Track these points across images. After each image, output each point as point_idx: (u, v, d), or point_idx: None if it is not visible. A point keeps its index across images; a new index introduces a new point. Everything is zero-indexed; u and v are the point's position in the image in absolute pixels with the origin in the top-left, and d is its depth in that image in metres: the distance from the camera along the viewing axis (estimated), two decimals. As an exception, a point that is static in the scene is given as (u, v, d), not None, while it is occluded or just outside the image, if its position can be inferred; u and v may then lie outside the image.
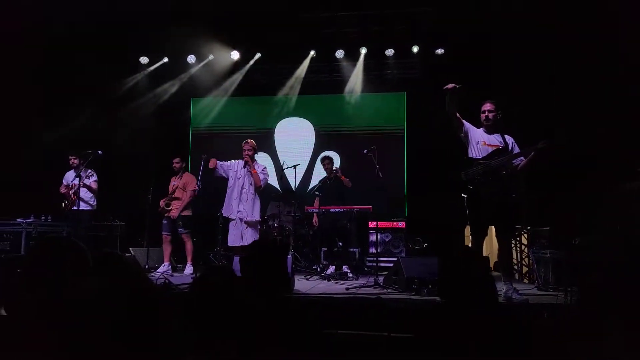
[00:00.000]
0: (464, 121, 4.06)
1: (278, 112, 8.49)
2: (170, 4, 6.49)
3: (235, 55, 7.84)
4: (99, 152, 5.79)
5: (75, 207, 5.79)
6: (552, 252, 4.69)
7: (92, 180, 6.00)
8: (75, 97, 7.20)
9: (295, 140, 8.45)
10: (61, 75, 7.08)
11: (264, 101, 8.48)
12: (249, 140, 5.42)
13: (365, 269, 6.34)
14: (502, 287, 3.66)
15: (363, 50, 7.67)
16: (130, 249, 6.21)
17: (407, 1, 6.76)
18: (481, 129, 4.07)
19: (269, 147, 8.44)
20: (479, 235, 3.88)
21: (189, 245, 5.91)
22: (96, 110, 7.50)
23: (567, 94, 6.12)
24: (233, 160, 5.48)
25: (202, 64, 8.00)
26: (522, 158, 3.90)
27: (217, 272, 1.49)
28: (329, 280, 5.30)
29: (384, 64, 7.88)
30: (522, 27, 6.12)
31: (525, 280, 5.43)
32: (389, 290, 4.38)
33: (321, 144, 8.37)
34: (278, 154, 8.42)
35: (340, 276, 5.47)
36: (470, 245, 4.27)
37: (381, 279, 4.85)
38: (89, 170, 6.01)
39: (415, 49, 7.53)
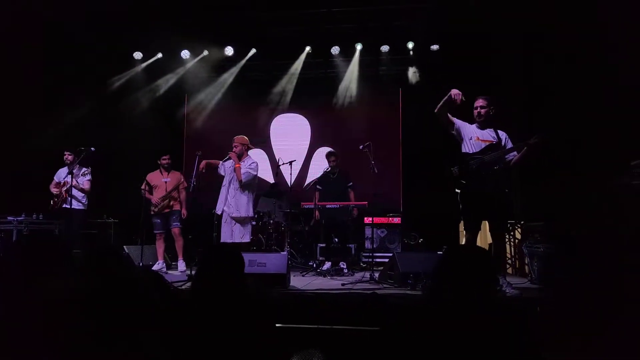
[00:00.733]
0: (453, 119, 4.08)
1: (273, 108, 8.46)
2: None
3: (229, 51, 7.79)
4: (92, 149, 5.72)
5: (66, 205, 5.70)
6: (545, 247, 4.72)
7: (85, 180, 5.87)
8: (68, 94, 7.13)
9: (290, 136, 8.44)
10: (54, 72, 7.01)
11: (260, 97, 8.45)
12: (236, 137, 5.41)
13: (361, 264, 6.36)
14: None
15: (358, 46, 7.65)
16: (124, 246, 6.17)
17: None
18: (474, 124, 4.07)
19: (264, 143, 8.42)
20: (473, 231, 3.90)
21: (180, 241, 5.90)
22: (89, 107, 7.44)
23: (562, 89, 6.15)
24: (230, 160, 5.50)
25: (196, 59, 7.95)
26: (515, 153, 3.92)
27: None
28: (324, 276, 5.31)
29: (380, 60, 7.88)
30: (518, 23, 6.14)
31: (516, 274, 5.47)
32: (384, 286, 4.39)
33: (317, 139, 8.36)
34: (274, 150, 8.40)
35: (335, 272, 5.47)
36: (464, 240, 4.28)
37: (377, 274, 4.86)
38: (84, 169, 5.90)
39: (410, 45, 7.54)
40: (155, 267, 5.79)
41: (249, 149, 5.46)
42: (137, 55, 7.88)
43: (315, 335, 3.08)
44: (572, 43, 5.71)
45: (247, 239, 5.29)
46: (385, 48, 7.59)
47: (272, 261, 4.35)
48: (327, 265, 5.79)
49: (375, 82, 8.11)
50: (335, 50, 7.72)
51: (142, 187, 6.01)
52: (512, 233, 5.78)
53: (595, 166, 5.32)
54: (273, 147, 8.46)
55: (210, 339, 1.46)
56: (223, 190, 5.34)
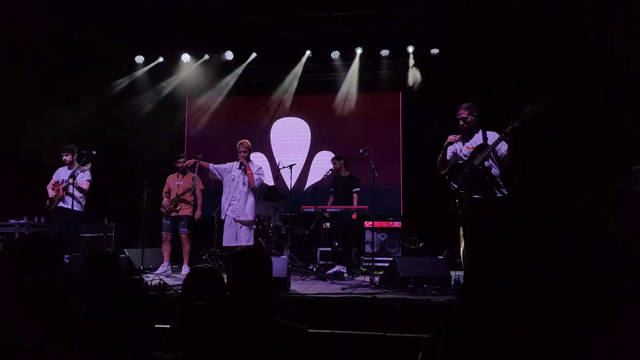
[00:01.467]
0: (447, 153, 4.09)
1: (274, 111, 8.48)
2: (166, 3, 6.47)
3: (229, 55, 7.83)
4: (93, 152, 5.70)
5: (63, 205, 5.56)
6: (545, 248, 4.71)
7: (84, 180, 5.72)
8: (70, 97, 7.16)
9: (291, 140, 8.45)
10: (56, 74, 7.03)
11: (260, 101, 8.47)
12: (243, 141, 5.43)
13: (361, 268, 6.35)
14: None
15: (359, 50, 7.68)
16: (125, 250, 6.17)
17: (403, 1, 6.78)
18: (460, 136, 4.05)
19: (264, 147, 8.44)
20: (471, 234, 3.91)
21: (187, 246, 5.87)
22: (91, 110, 7.46)
23: (563, 93, 6.16)
24: (228, 163, 5.51)
25: (197, 63, 7.98)
26: (505, 144, 3.85)
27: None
28: (324, 280, 5.30)
29: (380, 64, 7.90)
30: (518, 27, 6.15)
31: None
32: (384, 290, 4.38)
33: (317, 143, 8.37)
34: (274, 153, 8.42)
35: (335, 276, 5.46)
36: (462, 245, 4.29)
37: (377, 278, 4.86)
38: (86, 167, 5.71)
39: (410, 49, 7.57)
40: (160, 270, 5.76)
41: (250, 153, 5.51)
42: (139, 59, 7.91)
43: (315, 339, 3.07)
44: (573, 45, 5.73)
45: (252, 242, 5.38)
46: (385, 52, 7.61)
47: (273, 265, 4.34)
48: (337, 268, 5.76)
49: (375, 86, 8.13)
50: (335, 54, 7.74)
51: (164, 190, 6.02)
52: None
53: (596, 171, 5.33)
54: (273, 150, 8.47)
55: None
56: (226, 194, 5.35)
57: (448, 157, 4.12)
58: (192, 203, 5.95)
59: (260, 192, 7.52)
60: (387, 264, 5.20)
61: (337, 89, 8.15)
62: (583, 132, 5.81)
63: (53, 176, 5.91)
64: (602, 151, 5.46)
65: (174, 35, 7.38)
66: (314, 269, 5.98)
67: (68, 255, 5.31)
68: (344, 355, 3.01)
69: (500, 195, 3.86)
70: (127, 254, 5.93)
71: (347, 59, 7.86)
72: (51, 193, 5.77)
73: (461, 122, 4.04)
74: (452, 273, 4.45)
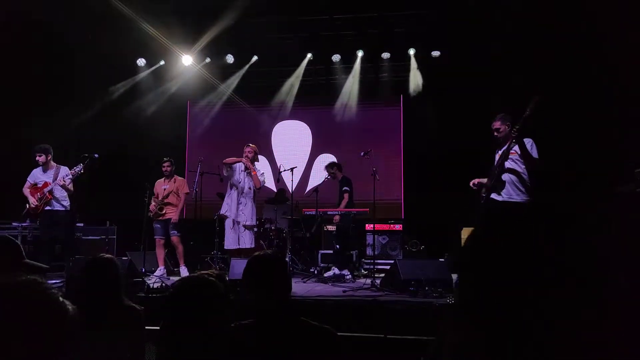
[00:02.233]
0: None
1: (275, 115, 8.50)
2: (166, 6, 6.51)
3: (230, 59, 7.86)
4: (95, 155, 5.70)
5: (49, 207, 5.39)
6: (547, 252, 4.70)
7: (68, 179, 5.41)
8: (72, 100, 7.19)
9: (292, 143, 8.47)
10: (57, 78, 7.07)
11: (261, 104, 8.49)
12: (251, 144, 5.50)
13: (363, 271, 6.34)
14: None
15: (360, 53, 7.70)
16: (127, 252, 6.18)
17: (404, 4, 6.80)
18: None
19: (266, 150, 8.46)
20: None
21: (180, 248, 5.87)
22: (93, 113, 7.50)
23: (565, 95, 6.16)
24: (237, 163, 5.55)
25: (198, 66, 8.01)
26: (517, 150, 3.96)
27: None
28: (325, 282, 5.30)
29: (381, 67, 7.92)
30: (519, 29, 6.16)
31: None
32: (385, 292, 4.38)
33: (318, 146, 8.38)
34: (275, 156, 8.43)
35: (337, 278, 5.46)
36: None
37: (378, 281, 4.86)
38: (60, 167, 5.51)
39: (411, 51, 7.59)
40: (157, 273, 5.78)
41: (257, 159, 5.56)
42: (140, 62, 7.94)
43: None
44: (573, 45, 5.73)
45: (254, 244, 5.44)
46: (386, 55, 7.63)
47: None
48: (335, 270, 5.76)
49: (376, 89, 8.15)
50: (336, 57, 7.77)
51: (154, 194, 6.01)
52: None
53: (599, 174, 5.32)
54: (274, 153, 8.48)
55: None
56: (232, 196, 5.39)
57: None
58: (179, 205, 5.93)
59: (264, 195, 7.55)
60: (388, 267, 5.20)
61: (338, 92, 8.17)
62: (584, 134, 5.82)
63: (28, 179, 5.56)
64: (604, 153, 5.46)
65: (176, 39, 7.40)
66: (315, 272, 5.98)
67: (71, 259, 5.30)
68: (345, 357, 3.01)
69: (517, 199, 3.98)
70: (129, 257, 5.94)
71: (348, 62, 7.88)
72: (32, 199, 5.43)
73: (495, 133, 4.15)
74: (454, 276, 4.44)
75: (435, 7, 6.72)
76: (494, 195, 4.08)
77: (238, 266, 4.47)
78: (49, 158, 5.47)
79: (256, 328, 1.56)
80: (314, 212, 6.08)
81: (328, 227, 6.64)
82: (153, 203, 5.95)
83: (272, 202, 7.25)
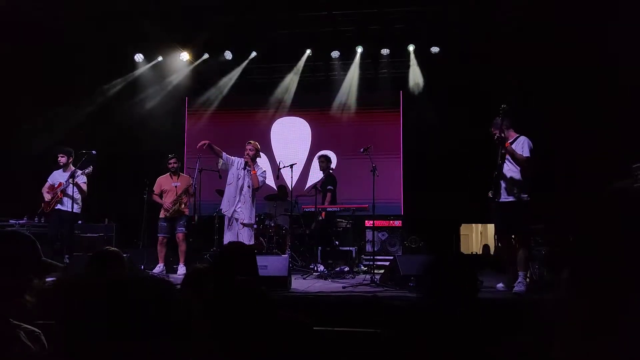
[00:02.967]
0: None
1: (274, 111, 8.47)
2: (164, 2, 6.47)
3: (228, 55, 7.82)
4: (93, 152, 5.70)
5: (60, 207, 5.56)
6: (547, 249, 4.73)
7: (81, 182, 5.73)
8: (69, 97, 7.16)
9: (291, 139, 8.45)
10: (54, 74, 7.04)
11: (260, 100, 8.46)
12: (252, 141, 5.46)
13: (362, 267, 6.35)
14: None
15: (359, 49, 7.67)
16: (126, 250, 6.16)
17: (404, 0, 6.78)
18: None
19: (265, 146, 8.43)
20: (500, 239, 4.33)
21: (183, 246, 5.86)
22: (91, 109, 7.47)
23: (563, 93, 6.16)
24: (236, 157, 5.49)
25: (197, 62, 7.98)
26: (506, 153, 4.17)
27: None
28: (325, 279, 5.30)
29: (380, 63, 7.90)
30: (518, 24, 6.15)
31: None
32: (385, 288, 4.39)
33: (317, 143, 8.36)
34: (274, 153, 8.42)
35: (336, 275, 5.47)
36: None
37: (378, 277, 4.86)
38: (87, 170, 5.76)
39: (411, 47, 7.56)
40: (155, 270, 5.77)
41: (259, 156, 5.51)
42: (138, 57, 7.90)
43: (316, 337, 3.07)
44: (573, 45, 5.73)
45: (252, 241, 5.42)
46: (385, 51, 7.61)
47: (274, 264, 4.35)
48: (316, 266, 5.80)
49: (376, 85, 8.12)
50: (335, 53, 7.74)
51: (155, 191, 5.96)
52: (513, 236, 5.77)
53: (595, 168, 5.33)
54: (273, 150, 8.47)
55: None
56: (231, 193, 5.35)
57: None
58: (188, 203, 5.93)
59: (264, 192, 7.52)
60: (387, 263, 5.21)
61: (338, 88, 8.14)
62: (582, 131, 5.82)
63: (48, 179, 5.86)
64: (601, 149, 5.46)
65: (174, 34, 7.37)
66: (315, 268, 5.97)
67: (67, 256, 5.33)
68: (344, 352, 3.01)
69: (510, 199, 4.14)
70: (129, 254, 5.93)
71: (348, 58, 7.85)
72: (47, 197, 5.72)
73: (494, 138, 4.28)
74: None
75: (434, 4, 6.69)
76: (499, 198, 4.23)
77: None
78: (70, 160, 5.76)
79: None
80: (313, 209, 6.08)
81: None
82: (166, 202, 5.86)
83: (272, 198, 7.24)
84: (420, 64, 7.64)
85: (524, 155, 4.08)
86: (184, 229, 5.82)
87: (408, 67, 7.74)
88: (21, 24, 6.19)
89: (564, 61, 5.93)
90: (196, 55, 7.91)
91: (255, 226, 5.87)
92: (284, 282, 4.27)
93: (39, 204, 5.84)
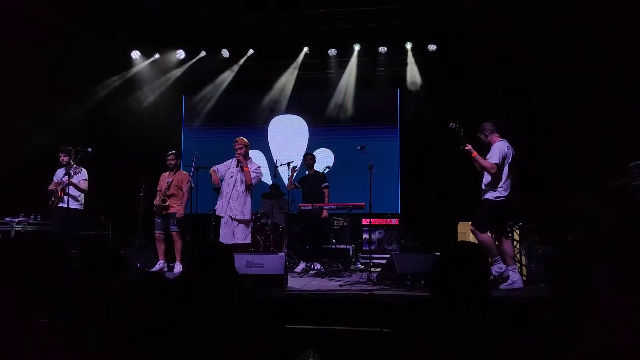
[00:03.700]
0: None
1: (271, 109, 8.45)
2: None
3: (225, 53, 7.80)
4: (89, 149, 5.69)
5: (63, 205, 5.60)
6: (544, 248, 4.73)
7: (81, 179, 5.77)
8: (65, 94, 7.12)
9: (288, 137, 8.43)
10: (50, 71, 6.99)
11: (257, 98, 8.43)
12: (238, 138, 5.41)
13: (359, 265, 6.35)
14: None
15: (356, 47, 7.65)
16: (122, 248, 6.14)
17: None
18: None
19: (262, 144, 8.42)
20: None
21: (178, 244, 5.83)
22: (87, 107, 7.43)
23: (560, 88, 6.16)
24: (227, 161, 5.48)
25: (193, 60, 7.94)
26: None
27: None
28: (322, 277, 5.30)
29: (378, 61, 7.88)
30: (517, 21, 6.14)
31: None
32: (382, 287, 4.38)
33: (315, 141, 8.35)
34: (271, 151, 8.40)
35: (334, 273, 5.47)
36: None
37: (374, 275, 4.86)
38: (78, 168, 5.80)
39: (408, 45, 7.55)
40: (156, 268, 5.75)
41: (250, 149, 5.48)
42: (135, 54, 7.86)
43: (312, 336, 3.07)
44: (571, 40, 5.72)
45: (249, 240, 5.37)
46: (383, 49, 7.59)
47: (270, 262, 4.34)
48: (302, 265, 5.84)
49: (373, 83, 8.11)
50: (332, 51, 7.72)
51: (157, 188, 5.97)
52: (510, 234, 5.78)
53: (593, 167, 5.33)
54: (271, 148, 8.45)
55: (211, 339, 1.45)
56: (224, 192, 5.33)
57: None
58: (184, 200, 5.90)
59: (259, 190, 7.51)
60: (384, 261, 5.20)
61: (335, 85, 8.12)
62: (580, 129, 5.82)
63: (54, 178, 5.96)
64: (598, 147, 5.47)
65: (171, 32, 7.33)
66: (312, 267, 5.98)
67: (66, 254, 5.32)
68: (341, 351, 3.01)
69: (487, 197, 4.43)
70: (124, 252, 5.91)
71: (345, 55, 7.83)
72: (52, 188, 5.85)
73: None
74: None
75: (433, 0, 6.67)
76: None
77: (236, 261, 4.45)
78: (71, 158, 5.82)
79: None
80: (310, 207, 6.07)
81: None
82: (157, 197, 5.89)
83: (266, 196, 7.24)
84: (418, 61, 7.63)
85: (491, 162, 4.31)
86: (175, 227, 5.78)
87: (406, 64, 7.73)
88: (20, 22, 6.15)
89: (564, 59, 5.93)
90: (193, 53, 7.88)
91: (252, 224, 5.86)
92: (281, 281, 4.27)
93: (42, 200, 5.89)
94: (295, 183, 6.41)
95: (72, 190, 5.68)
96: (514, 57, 6.38)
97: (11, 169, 6.50)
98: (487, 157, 4.38)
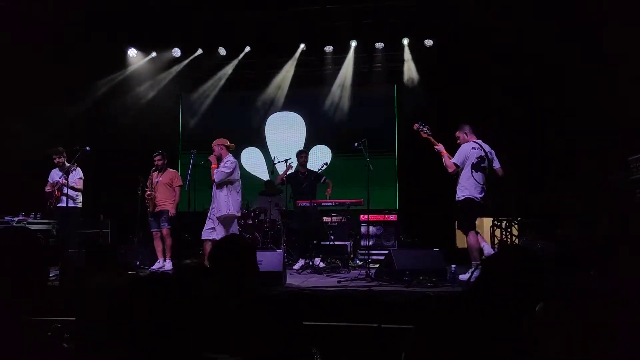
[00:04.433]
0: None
1: (268, 106, 8.44)
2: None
3: (222, 51, 7.77)
4: (87, 148, 5.67)
5: (61, 205, 5.64)
6: (542, 243, 4.74)
7: (76, 178, 5.80)
8: (63, 93, 7.09)
9: (286, 134, 8.42)
10: (47, 70, 6.96)
11: (254, 95, 8.42)
12: (216, 140, 5.45)
13: (358, 261, 6.37)
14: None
15: (353, 43, 7.64)
16: (121, 246, 6.15)
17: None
18: None
19: (259, 141, 8.41)
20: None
21: (169, 241, 5.84)
22: (85, 105, 7.40)
23: (558, 84, 6.17)
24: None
25: (190, 57, 7.92)
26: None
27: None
28: (321, 273, 5.32)
29: (374, 57, 7.86)
30: (515, 17, 6.13)
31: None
32: (380, 283, 4.40)
33: (312, 137, 8.35)
34: (269, 148, 8.40)
35: (332, 269, 5.49)
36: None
37: (373, 271, 4.87)
38: (73, 166, 5.77)
39: (405, 41, 7.53)
40: (156, 266, 5.76)
41: (230, 148, 5.46)
42: (132, 53, 7.84)
43: (311, 332, 3.09)
44: (568, 38, 5.72)
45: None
46: (379, 45, 7.58)
47: (268, 259, 4.35)
48: (301, 262, 5.83)
49: (370, 79, 8.10)
50: (329, 47, 7.70)
51: (147, 183, 6.02)
52: (509, 229, 5.79)
53: (592, 161, 5.35)
54: (268, 145, 8.45)
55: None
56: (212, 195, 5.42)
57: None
58: (175, 200, 5.94)
59: (256, 187, 7.53)
60: (383, 257, 5.22)
61: (332, 82, 8.11)
62: (579, 123, 5.83)
63: (48, 179, 5.98)
64: (597, 142, 5.48)
65: (167, 30, 7.30)
66: (311, 263, 5.99)
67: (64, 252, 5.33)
68: (340, 347, 3.02)
69: (457, 196, 4.64)
70: (123, 251, 5.93)
71: (342, 52, 7.81)
72: (48, 189, 5.85)
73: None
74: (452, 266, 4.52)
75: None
76: None
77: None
78: (64, 159, 5.87)
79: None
80: (307, 204, 6.07)
81: (323, 218, 6.64)
82: (147, 192, 5.93)
83: (264, 193, 7.24)
84: (415, 57, 7.62)
85: (451, 162, 4.64)
86: (166, 224, 5.81)
87: (402, 60, 7.72)
88: (19, 22, 6.13)
89: (563, 56, 5.92)
90: (190, 51, 7.85)
91: (235, 220, 5.73)
92: (279, 277, 4.28)
93: (40, 200, 5.92)
94: (284, 179, 6.39)
95: (70, 190, 5.68)
96: (512, 52, 6.38)
97: (10, 168, 6.49)
98: (445, 159, 4.67)
